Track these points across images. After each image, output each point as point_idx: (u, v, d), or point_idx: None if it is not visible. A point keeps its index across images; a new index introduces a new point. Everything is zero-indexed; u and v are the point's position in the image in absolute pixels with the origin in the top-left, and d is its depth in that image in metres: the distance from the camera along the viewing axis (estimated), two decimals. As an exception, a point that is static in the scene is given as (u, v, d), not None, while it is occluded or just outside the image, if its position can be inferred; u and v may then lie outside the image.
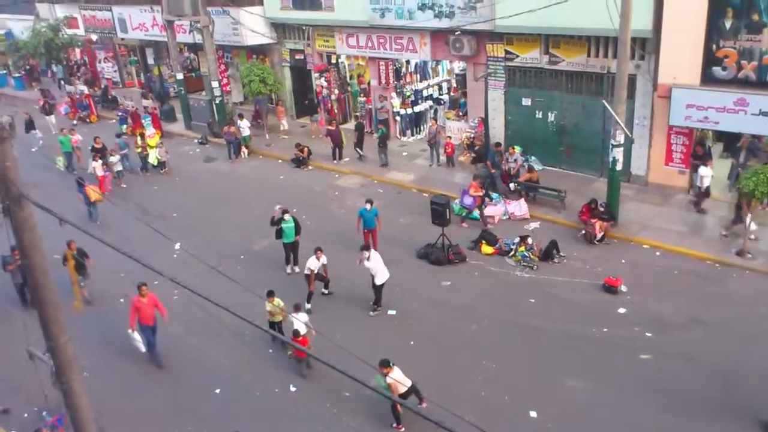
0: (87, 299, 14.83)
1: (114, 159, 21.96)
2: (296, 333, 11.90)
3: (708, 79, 16.38)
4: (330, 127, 22.85)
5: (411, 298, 14.59)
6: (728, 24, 15.73)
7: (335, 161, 22.89)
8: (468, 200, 17.74)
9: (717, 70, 16.21)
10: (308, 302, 14.15)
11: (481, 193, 17.64)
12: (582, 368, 12.04)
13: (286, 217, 15.58)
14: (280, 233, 15.69)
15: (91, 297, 15.09)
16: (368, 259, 13.67)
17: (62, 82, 36.37)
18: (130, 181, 22.68)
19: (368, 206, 15.82)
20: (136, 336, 12.64)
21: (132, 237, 14.10)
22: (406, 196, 20.15)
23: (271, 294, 12.67)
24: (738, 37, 15.70)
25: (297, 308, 12.49)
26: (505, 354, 12.70)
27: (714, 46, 16.07)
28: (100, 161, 21.45)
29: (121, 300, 15.18)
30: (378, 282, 13.81)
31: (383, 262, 13.87)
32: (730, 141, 19.09)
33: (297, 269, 15.88)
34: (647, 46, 17.48)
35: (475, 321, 13.76)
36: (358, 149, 22.98)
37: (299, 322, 11.87)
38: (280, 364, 12.84)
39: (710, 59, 16.21)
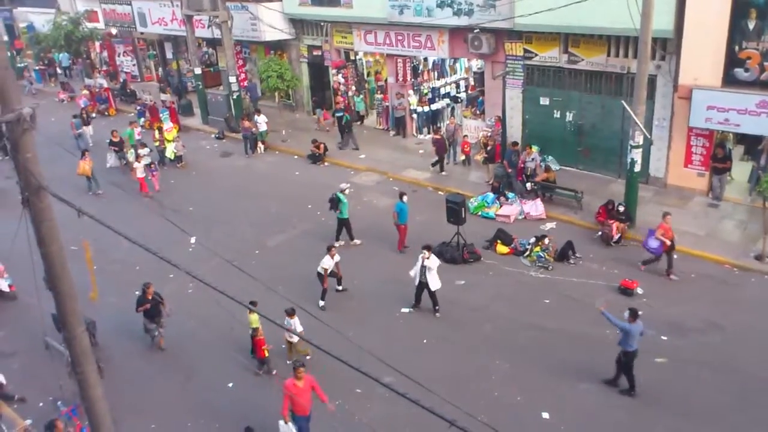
0: (161, 346, 13.39)
1: (143, 152, 21.35)
2: (254, 332, 12.01)
3: (730, 80, 16.17)
4: (436, 136, 21.45)
5: (425, 297, 14.53)
6: (751, 25, 15.50)
7: (442, 172, 21.21)
8: (654, 243, 14.85)
9: (739, 72, 15.98)
10: (322, 300, 14.20)
11: (669, 241, 14.68)
12: (596, 370, 11.93)
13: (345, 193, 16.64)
14: (336, 205, 16.56)
15: (165, 343, 13.49)
16: (428, 258, 13.51)
17: (66, 71, 37.07)
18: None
19: (405, 198, 16.15)
20: (291, 427, 10.30)
21: (148, 230, 14.24)
22: (422, 194, 20.08)
23: (253, 304, 11.53)
24: (761, 38, 15.47)
25: (290, 314, 12.04)
26: (519, 354, 12.65)
27: (736, 47, 15.85)
28: (142, 163, 20.81)
29: (137, 292, 15.30)
30: (433, 288, 13.63)
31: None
32: (751, 144, 18.83)
33: (358, 241, 17.04)
34: (668, 46, 17.28)
35: (489, 320, 13.72)
36: (341, 136, 23.98)
37: (294, 329, 11.80)
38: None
39: (732, 60, 15.99)
